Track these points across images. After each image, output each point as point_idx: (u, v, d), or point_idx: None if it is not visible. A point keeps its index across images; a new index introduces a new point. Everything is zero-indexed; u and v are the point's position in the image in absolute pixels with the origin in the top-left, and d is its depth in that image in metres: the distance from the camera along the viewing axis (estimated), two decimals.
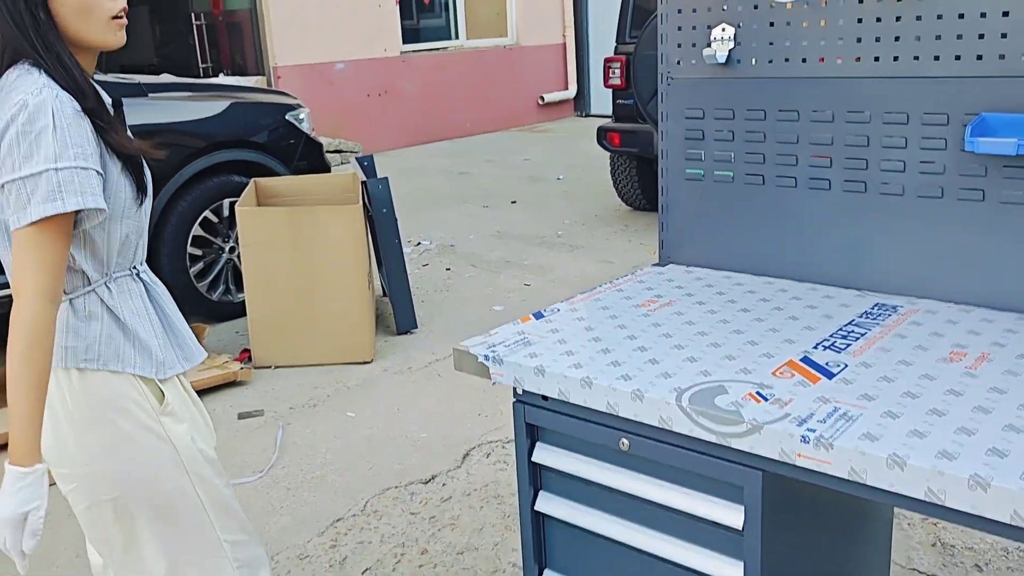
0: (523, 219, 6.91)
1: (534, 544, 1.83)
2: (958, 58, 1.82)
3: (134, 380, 1.50)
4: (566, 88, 12.53)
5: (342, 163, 9.12)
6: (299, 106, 5.12)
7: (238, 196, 4.60)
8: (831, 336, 1.78)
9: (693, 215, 2.31)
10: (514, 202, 7.52)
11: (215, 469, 1.65)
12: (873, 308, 1.93)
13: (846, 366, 1.62)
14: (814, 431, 1.37)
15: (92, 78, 1.47)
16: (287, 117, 4.95)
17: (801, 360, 1.66)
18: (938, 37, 1.83)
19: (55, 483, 1.53)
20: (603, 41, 12.14)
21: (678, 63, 2.24)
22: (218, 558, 1.64)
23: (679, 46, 2.23)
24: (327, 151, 5.37)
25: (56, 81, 1.35)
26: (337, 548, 2.82)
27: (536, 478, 1.80)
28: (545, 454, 1.75)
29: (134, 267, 1.55)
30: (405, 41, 10.47)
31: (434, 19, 11.16)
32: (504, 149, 10.37)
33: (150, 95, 4.45)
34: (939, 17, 1.82)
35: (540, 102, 12.21)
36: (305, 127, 5.06)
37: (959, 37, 1.81)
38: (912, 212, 1.95)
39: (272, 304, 4.09)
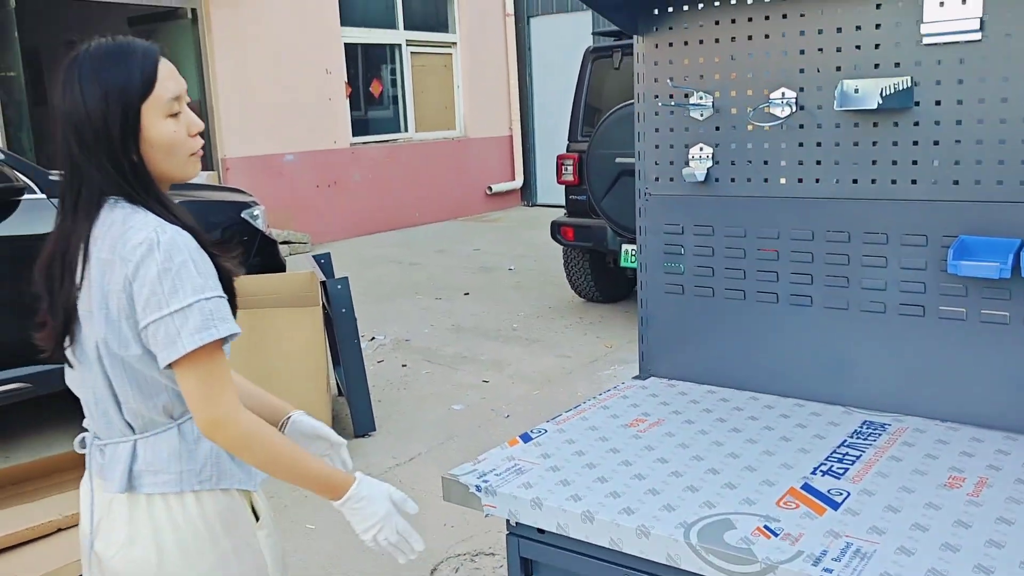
0: (477, 311, 6.88)
1: None
2: (935, 183, 1.87)
3: (237, 495, 1.53)
4: (513, 179, 12.72)
5: (290, 254, 9.02)
6: (254, 203, 5.06)
7: None
8: (827, 459, 1.76)
9: (673, 328, 2.31)
10: (467, 294, 7.50)
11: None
12: (862, 427, 1.93)
13: (848, 494, 1.59)
14: (831, 571, 1.33)
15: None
16: (242, 215, 4.89)
17: (803, 488, 1.63)
18: (915, 162, 1.89)
19: None
20: (548, 133, 12.42)
21: (656, 179, 2.26)
22: None
23: (656, 163, 2.26)
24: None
25: (163, 220, 1.39)
26: None
27: None
28: None
29: None
30: (355, 133, 10.55)
31: (383, 112, 11.30)
32: (454, 238, 10.41)
33: None
34: (915, 143, 1.88)
35: (488, 192, 12.35)
36: (260, 224, 5.00)
37: (934, 163, 1.87)
38: (894, 330, 1.98)
39: None
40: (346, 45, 10.28)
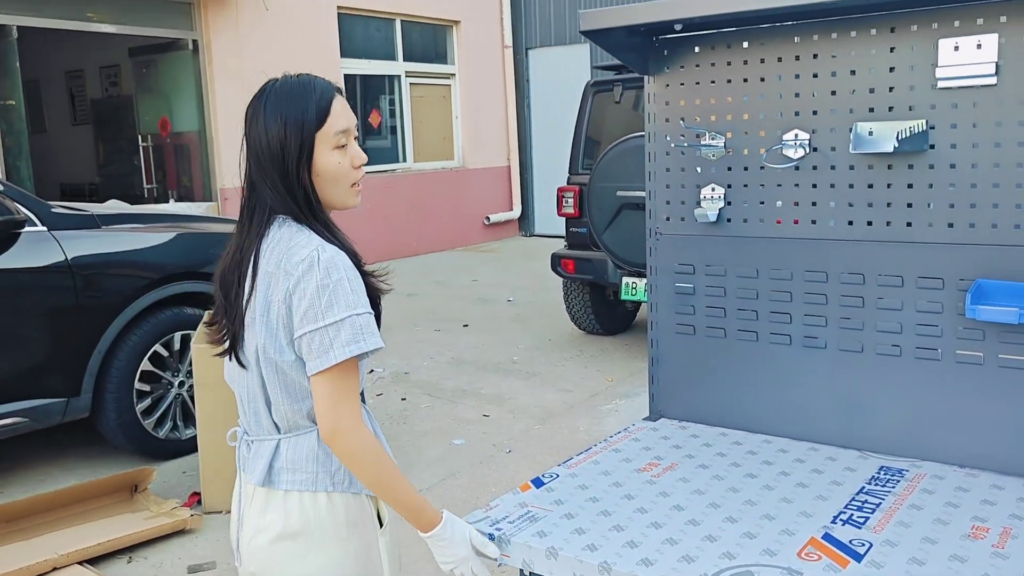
0: (477, 344, 6.85)
1: None
2: (951, 225, 1.86)
3: (366, 500, 1.61)
4: (511, 209, 12.72)
5: None
6: None
7: (190, 329, 4.44)
8: (846, 507, 1.73)
9: (684, 369, 2.28)
10: (466, 325, 7.47)
11: None
12: (879, 472, 1.90)
13: (871, 545, 1.56)
14: None
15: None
16: None
17: (823, 538, 1.60)
18: (930, 205, 1.88)
19: None
20: (546, 164, 12.46)
21: (667, 219, 2.25)
22: None
23: (667, 203, 2.24)
24: None
25: (324, 240, 1.51)
26: None
27: None
28: None
29: (361, 392, 1.64)
30: None
31: (382, 142, 11.32)
32: (452, 269, 10.39)
33: (103, 227, 4.33)
34: (930, 186, 1.87)
35: (486, 222, 12.35)
36: None
37: (951, 206, 1.86)
38: (910, 373, 1.95)
39: (226, 445, 3.89)
40: (346, 76, 10.32)
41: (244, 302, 1.54)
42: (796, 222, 2.05)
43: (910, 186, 1.89)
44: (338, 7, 10.10)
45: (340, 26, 10.17)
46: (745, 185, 2.11)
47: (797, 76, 1.99)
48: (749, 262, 2.13)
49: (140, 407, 4.36)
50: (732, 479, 1.89)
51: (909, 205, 1.90)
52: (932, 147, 1.85)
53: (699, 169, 2.17)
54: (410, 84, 11.33)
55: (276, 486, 1.58)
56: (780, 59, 2.02)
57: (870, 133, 1.89)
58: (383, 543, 1.65)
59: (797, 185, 2.04)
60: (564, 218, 6.61)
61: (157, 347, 4.41)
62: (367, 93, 10.95)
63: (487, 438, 4.76)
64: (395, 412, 5.32)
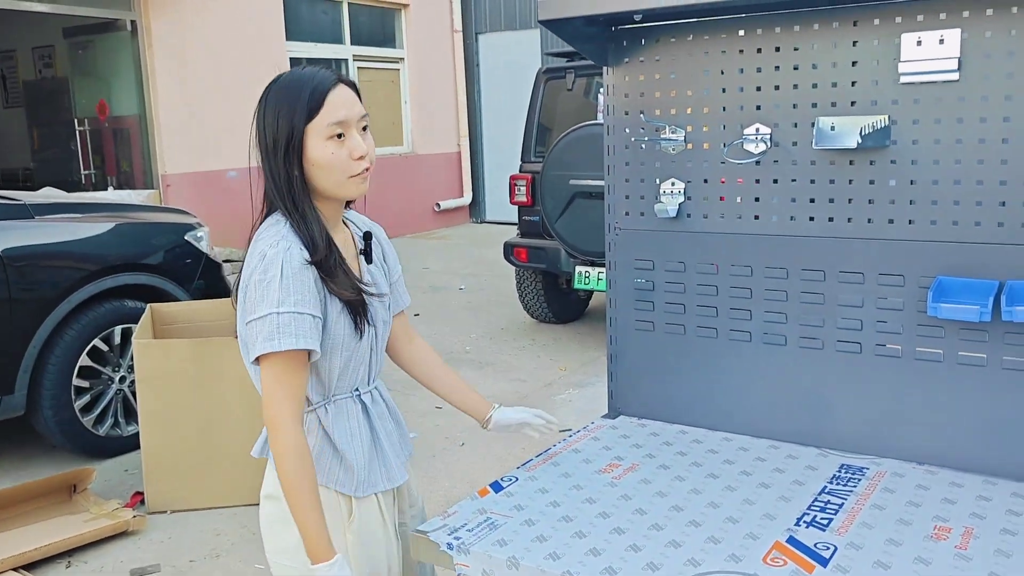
0: (428, 333, 6.76)
1: None
2: (912, 222, 1.85)
3: (335, 494, 1.64)
4: (462, 195, 12.62)
5: (232, 273, 8.78)
6: (198, 225, 4.88)
7: (131, 322, 4.28)
8: (809, 508, 1.71)
9: (644, 366, 2.25)
10: (417, 315, 7.37)
11: None
12: (840, 471, 1.89)
13: (836, 548, 1.54)
14: None
15: (347, 221, 1.74)
16: (186, 237, 4.70)
17: (788, 542, 1.57)
18: (892, 201, 1.86)
19: None
20: (496, 150, 12.38)
21: (626, 214, 2.20)
22: None
23: (627, 197, 2.20)
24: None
25: (296, 233, 1.55)
26: None
27: None
28: None
29: (356, 389, 1.69)
30: None
31: None
32: (402, 256, 10.15)
33: (36, 217, 4.14)
34: (892, 182, 1.85)
35: (436, 209, 12.22)
36: (204, 247, 4.82)
37: (912, 202, 1.84)
38: (870, 370, 1.94)
39: (170, 442, 3.77)
40: (291, 60, 10.09)
41: (235, 290, 1.64)
42: (757, 218, 2.02)
43: (872, 182, 1.87)
44: None
45: (285, 8, 9.92)
46: (705, 180, 2.07)
47: (759, 69, 1.96)
48: (709, 258, 2.09)
49: (79, 404, 4.20)
50: (694, 480, 1.86)
51: (871, 201, 1.88)
52: (894, 143, 1.83)
53: (659, 163, 2.13)
54: (358, 68, 11.13)
55: (266, 455, 1.69)
56: (741, 51, 1.98)
57: (832, 128, 1.86)
58: (351, 543, 1.65)
59: (758, 181, 2.01)
60: (516, 206, 6.55)
61: (96, 342, 4.25)
62: None
63: (439, 431, 4.70)
64: None
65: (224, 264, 5.50)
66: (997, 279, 1.77)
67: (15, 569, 3.14)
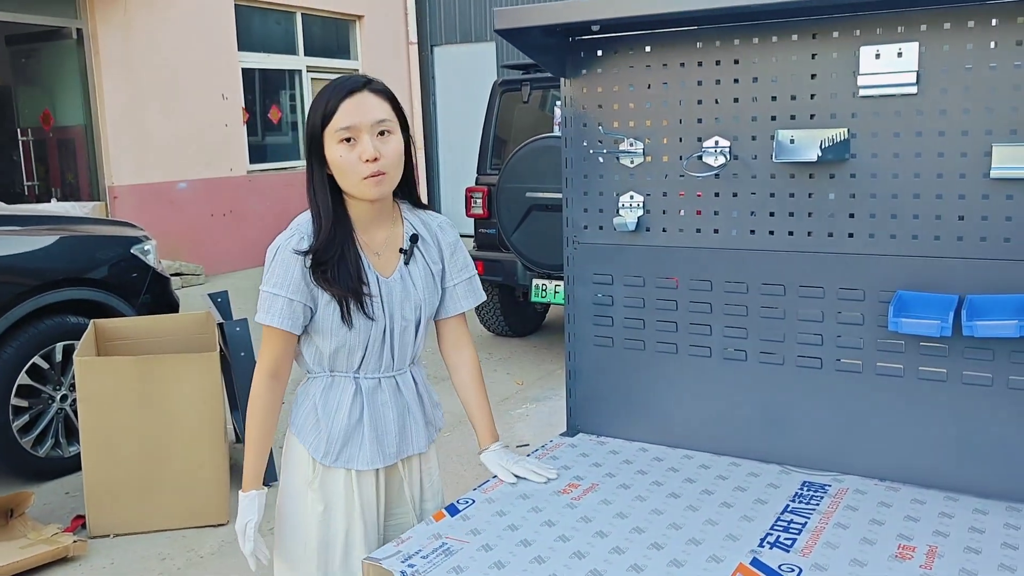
0: None
1: None
2: (872, 236, 1.83)
3: (306, 454, 1.84)
4: None
5: (182, 286, 8.59)
6: (145, 237, 4.74)
7: (73, 339, 4.13)
8: (772, 528, 1.67)
9: (603, 383, 2.20)
10: None
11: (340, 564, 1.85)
12: (802, 488, 1.86)
13: (800, 570, 1.51)
14: None
15: (406, 220, 1.91)
16: (132, 250, 4.56)
17: (752, 564, 1.53)
18: (852, 215, 1.84)
19: None
20: (452, 162, 12.33)
21: (584, 227, 2.16)
22: None
23: (585, 211, 2.16)
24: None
25: (311, 223, 1.75)
26: None
27: None
28: None
29: (358, 373, 1.83)
30: (252, 160, 10.18)
31: (282, 138, 10.96)
32: None
33: None
34: (852, 196, 1.84)
35: None
36: (151, 260, 4.68)
37: (872, 216, 1.83)
38: (831, 385, 1.92)
39: (113, 464, 3.63)
40: (244, 70, 9.94)
41: None
42: (716, 231, 2.00)
43: (831, 196, 1.86)
44: None
45: (237, 18, 9.78)
46: (665, 193, 2.04)
47: (718, 82, 1.93)
48: (668, 272, 2.06)
49: (17, 424, 4.04)
50: (655, 500, 1.81)
51: (831, 215, 1.87)
52: (854, 156, 1.82)
53: (617, 176, 2.09)
54: (311, 79, 11.01)
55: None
56: (700, 63, 1.95)
57: (792, 141, 1.84)
58: (312, 499, 1.83)
59: (717, 194, 1.98)
60: (473, 219, 6.50)
61: (36, 359, 4.09)
62: (266, 88, 10.57)
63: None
64: None
65: (173, 278, 5.36)
66: (957, 293, 1.76)
67: None
